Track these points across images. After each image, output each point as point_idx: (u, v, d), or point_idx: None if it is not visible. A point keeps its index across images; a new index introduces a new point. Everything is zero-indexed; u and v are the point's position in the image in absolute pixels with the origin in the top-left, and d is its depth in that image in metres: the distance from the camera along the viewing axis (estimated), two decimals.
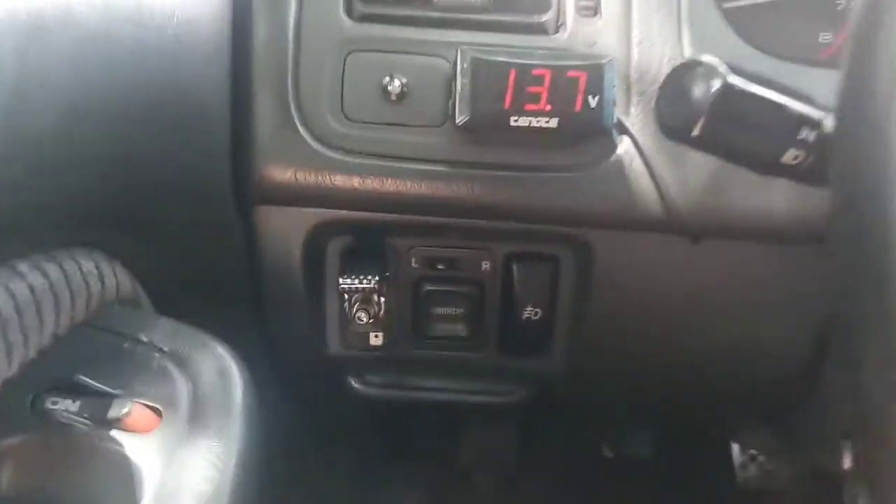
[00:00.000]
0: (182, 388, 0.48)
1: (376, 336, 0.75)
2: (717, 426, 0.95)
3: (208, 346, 0.50)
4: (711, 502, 1.40)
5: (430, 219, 0.65)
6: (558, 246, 0.71)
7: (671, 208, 0.62)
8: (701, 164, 0.62)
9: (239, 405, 0.48)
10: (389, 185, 0.62)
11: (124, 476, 0.44)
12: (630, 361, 0.75)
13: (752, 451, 1.42)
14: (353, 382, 0.80)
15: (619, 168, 0.62)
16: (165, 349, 0.51)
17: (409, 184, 0.62)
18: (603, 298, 0.69)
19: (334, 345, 0.75)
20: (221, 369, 0.49)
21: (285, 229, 0.66)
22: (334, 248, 0.70)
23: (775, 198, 0.62)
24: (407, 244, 0.71)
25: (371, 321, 0.71)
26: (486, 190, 0.62)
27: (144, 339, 0.51)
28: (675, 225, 0.63)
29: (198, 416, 0.47)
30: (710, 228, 0.64)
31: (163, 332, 0.52)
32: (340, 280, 0.64)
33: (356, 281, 0.64)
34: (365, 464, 1.31)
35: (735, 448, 1.42)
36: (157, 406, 0.47)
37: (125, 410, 0.46)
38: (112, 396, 0.46)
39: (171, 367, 0.50)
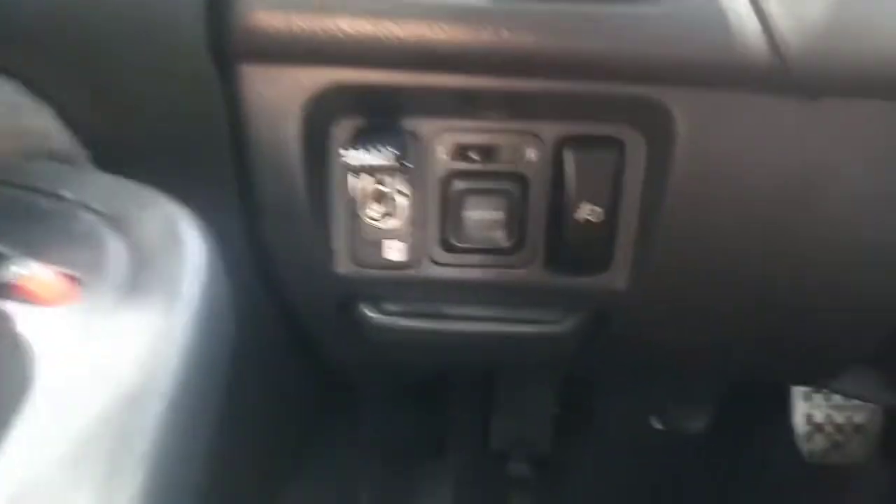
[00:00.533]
0: (115, 252, 0.34)
1: (396, 248, 0.60)
2: (805, 372, 0.78)
3: (156, 204, 0.36)
4: (774, 478, 1.26)
5: (462, 79, 0.50)
6: (624, 126, 0.56)
7: (782, 51, 0.47)
8: None
9: (195, 276, 0.33)
10: (411, 28, 0.47)
11: (13, 356, 0.29)
12: (712, 280, 0.60)
13: (819, 421, 1.28)
14: (365, 311, 0.65)
15: None
16: (99, 209, 0.36)
17: (434, 26, 0.47)
18: (683, 191, 0.54)
19: (343, 260, 0.60)
20: (171, 231, 0.35)
21: (278, 98, 0.51)
22: (341, 130, 0.55)
23: None
24: (433, 128, 0.56)
25: (385, 220, 0.56)
26: (533, 31, 0.47)
27: (70, 196, 0.37)
28: (787, 76, 0.47)
29: (134, 288, 0.33)
30: (835, 80, 0.48)
31: (97, 189, 0.38)
32: (346, 154, 0.49)
33: (367, 155, 0.49)
34: (387, 442, 1.19)
35: (799, 419, 1.27)
36: (76, 273, 0.33)
37: (22, 273, 0.31)
38: (5, 258, 0.32)
39: (102, 228, 0.35)
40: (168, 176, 0.49)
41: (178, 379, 0.30)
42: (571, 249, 0.59)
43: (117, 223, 0.35)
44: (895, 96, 0.49)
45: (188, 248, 0.34)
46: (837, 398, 1.24)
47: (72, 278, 0.33)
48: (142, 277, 0.33)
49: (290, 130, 0.52)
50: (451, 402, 1.25)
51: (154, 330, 0.31)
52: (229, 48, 0.49)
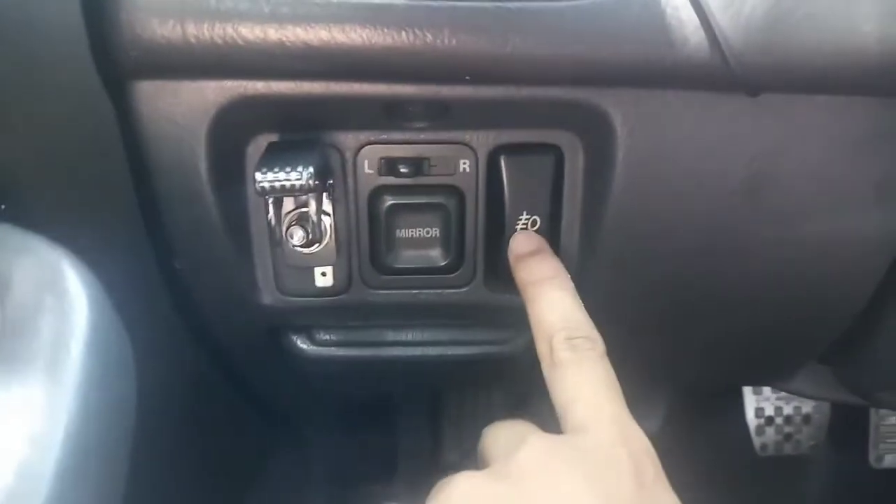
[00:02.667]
0: None
1: (323, 274, 0.55)
2: (758, 374, 0.76)
3: (29, 248, 0.31)
4: (727, 472, 1.25)
5: (382, 87, 0.46)
6: (561, 131, 0.52)
7: (722, 46, 0.44)
8: None
9: (80, 334, 0.28)
10: (321, 33, 0.43)
11: None
12: (660, 286, 0.57)
13: (769, 415, 1.28)
14: (297, 342, 0.60)
15: None
16: None
17: (349, 31, 0.43)
18: (625, 196, 0.51)
19: (268, 289, 0.55)
20: (51, 282, 0.30)
21: (179, 117, 0.46)
22: (256, 150, 0.51)
23: (867, 23, 0.44)
24: (355, 141, 0.52)
25: (312, 246, 0.52)
26: (457, 33, 0.43)
27: None
28: (727, 72, 0.45)
29: (5, 354, 0.27)
30: (777, 76, 0.46)
31: None
32: (258, 176, 0.45)
33: (280, 175, 0.44)
34: (337, 469, 1.14)
35: (750, 413, 1.27)
36: None
37: None
38: None
39: None
40: (61, 212, 0.44)
41: (64, 467, 0.25)
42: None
43: None
44: (840, 91, 0.47)
45: (72, 303, 0.29)
46: None
47: None
48: (15, 343, 0.28)
49: (195, 150, 0.47)
50: (398, 417, 1.21)
51: (33, 410, 0.26)
52: (119, 65, 0.44)
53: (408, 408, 1.22)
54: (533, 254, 0.52)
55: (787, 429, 1.28)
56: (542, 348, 0.46)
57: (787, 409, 1.28)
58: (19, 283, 0.30)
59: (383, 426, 1.20)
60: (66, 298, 0.29)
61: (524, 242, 0.53)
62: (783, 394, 1.26)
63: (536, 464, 0.39)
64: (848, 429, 1.27)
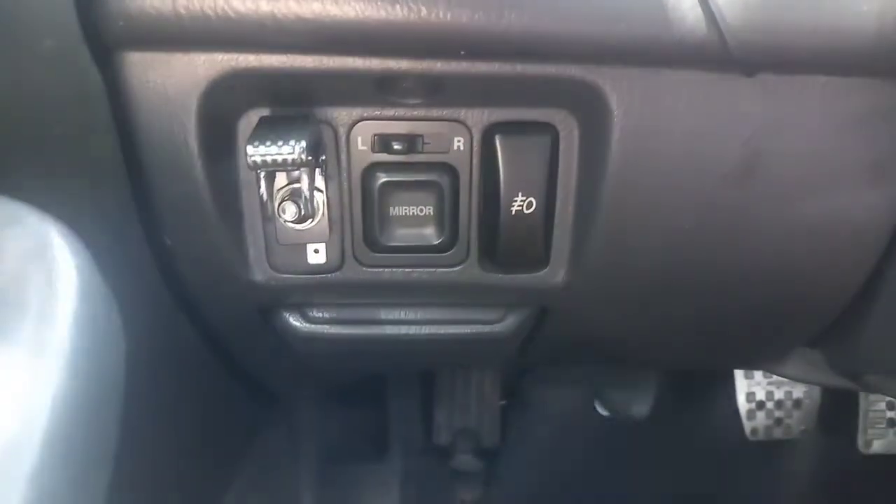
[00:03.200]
0: None
1: (316, 251, 0.55)
2: (750, 357, 0.76)
3: (17, 217, 0.30)
4: (718, 455, 1.26)
5: (376, 62, 0.45)
6: (557, 109, 0.52)
7: (719, 25, 0.43)
8: None
9: (68, 304, 0.28)
10: (314, 6, 0.42)
11: None
12: (655, 267, 0.57)
13: (760, 399, 1.29)
14: (290, 319, 0.60)
15: None
16: None
17: (342, 3, 0.42)
18: (620, 176, 0.51)
19: (259, 266, 0.55)
20: (38, 250, 0.29)
21: (169, 89, 0.45)
22: (248, 124, 0.50)
23: (865, 3, 0.44)
24: (348, 117, 0.51)
25: (304, 222, 0.51)
26: (452, 7, 0.43)
27: None
28: (724, 51, 0.44)
29: None
30: (774, 55, 0.45)
31: None
32: (250, 149, 0.44)
33: (273, 149, 0.44)
34: (328, 447, 1.14)
35: (741, 397, 1.28)
36: None
37: None
38: None
39: None
40: (50, 183, 0.44)
41: (54, 432, 0.25)
42: (506, 244, 0.55)
43: None
44: (836, 71, 0.47)
45: (60, 272, 0.29)
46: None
47: None
48: (2, 313, 0.27)
49: (185, 124, 0.46)
50: (390, 398, 1.22)
51: (20, 380, 0.25)
52: (108, 36, 0.43)
53: (399, 387, 1.22)
54: None
55: (778, 413, 1.29)
56: None
57: (778, 394, 1.29)
58: (7, 251, 0.29)
59: (375, 406, 1.20)
60: (55, 267, 0.29)
61: None
62: (774, 378, 1.27)
63: None
64: (838, 414, 1.27)
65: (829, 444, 1.30)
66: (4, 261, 0.29)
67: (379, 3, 0.42)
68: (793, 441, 1.29)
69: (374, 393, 1.20)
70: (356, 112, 0.51)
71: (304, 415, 1.12)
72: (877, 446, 1.27)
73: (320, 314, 0.60)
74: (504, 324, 0.61)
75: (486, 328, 0.61)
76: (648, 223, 0.53)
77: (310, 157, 0.45)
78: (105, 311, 0.31)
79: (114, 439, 0.30)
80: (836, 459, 1.29)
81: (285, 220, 0.49)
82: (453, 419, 1.23)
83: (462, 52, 0.45)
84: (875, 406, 1.27)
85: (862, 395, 1.26)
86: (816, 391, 1.28)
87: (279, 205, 0.49)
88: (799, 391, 1.28)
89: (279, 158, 0.44)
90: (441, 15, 0.42)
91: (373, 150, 0.52)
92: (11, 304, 0.28)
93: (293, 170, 0.46)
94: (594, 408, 1.28)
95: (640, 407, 1.25)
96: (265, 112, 0.50)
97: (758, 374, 1.28)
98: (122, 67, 0.44)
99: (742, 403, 1.29)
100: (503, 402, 1.21)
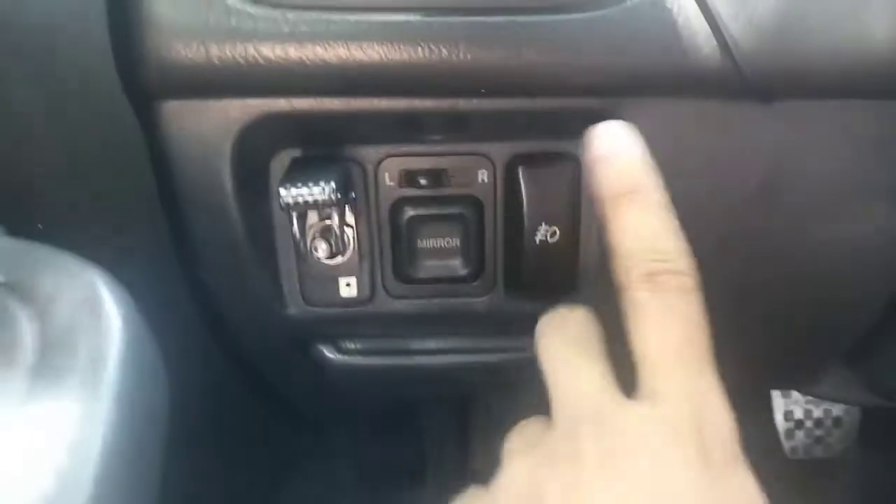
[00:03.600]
0: (22, 329, 0.30)
1: (348, 284, 0.57)
2: (783, 377, 0.76)
3: (69, 270, 0.32)
4: (758, 475, 1.25)
5: (401, 102, 0.47)
6: (577, 140, 0.53)
7: (734, 53, 0.44)
8: None
9: (117, 354, 0.30)
10: (339, 51, 0.44)
11: None
12: None
13: (799, 418, 1.27)
14: (324, 351, 0.62)
15: (657, 1, 0.45)
16: (1, 278, 0.32)
17: (366, 47, 0.44)
18: None
19: (294, 301, 0.57)
20: (89, 302, 0.31)
21: (205, 135, 0.48)
22: (279, 165, 0.52)
23: (878, 28, 0.45)
24: (376, 154, 0.53)
25: (336, 257, 0.53)
26: (472, 47, 0.44)
27: None
28: (739, 79, 0.45)
29: (46, 370, 0.29)
30: (789, 82, 0.46)
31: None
32: (282, 191, 0.46)
33: (304, 191, 0.46)
34: (364, 476, 1.15)
35: (779, 416, 1.26)
36: None
37: None
38: None
39: (7, 301, 0.31)
40: (88, 228, 0.46)
41: (101, 475, 0.27)
42: (531, 273, 0.56)
43: (22, 293, 0.32)
44: (851, 95, 0.48)
45: (109, 320, 0.31)
46: None
47: None
48: (56, 359, 0.29)
49: (221, 168, 0.49)
50: (427, 424, 1.22)
51: (72, 420, 0.27)
52: (145, 86, 0.45)
53: (435, 415, 1.23)
54: (615, 155, 0.39)
55: (818, 432, 1.27)
56: (618, 282, 0.37)
57: (817, 412, 1.27)
58: (59, 303, 0.31)
59: (411, 433, 1.21)
60: (103, 317, 0.31)
61: (605, 140, 0.40)
62: (813, 397, 1.25)
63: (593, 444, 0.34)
64: (879, 432, 1.25)
65: (870, 463, 1.27)
66: (58, 310, 0.31)
67: (401, 47, 0.44)
68: (834, 460, 1.27)
69: (411, 419, 1.21)
70: (383, 149, 0.53)
71: (340, 442, 1.13)
72: None
73: (353, 345, 0.62)
74: (532, 350, 0.62)
75: (517, 355, 0.62)
76: None
77: (339, 196, 0.46)
78: (149, 356, 0.33)
79: (159, 474, 0.32)
80: (880, 477, 1.27)
81: (318, 258, 0.51)
82: (490, 445, 1.23)
83: (483, 91, 0.46)
84: None
85: None
86: (857, 409, 1.26)
87: (311, 242, 0.51)
88: (838, 409, 1.26)
89: (310, 199, 0.45)
90: (461, 56, 0.44)
91: (400, 186, 0.54)
92: (64, 350, 0.30)
93: (324, 209, 0.48)
94: None
95: None
96: (296, 152, 0.52)
97: (795, 393, 1.27)
98: (159, 115, 0.47)
99: (780, 422, 1.27)
100: None
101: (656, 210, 0.39)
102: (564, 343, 0.40)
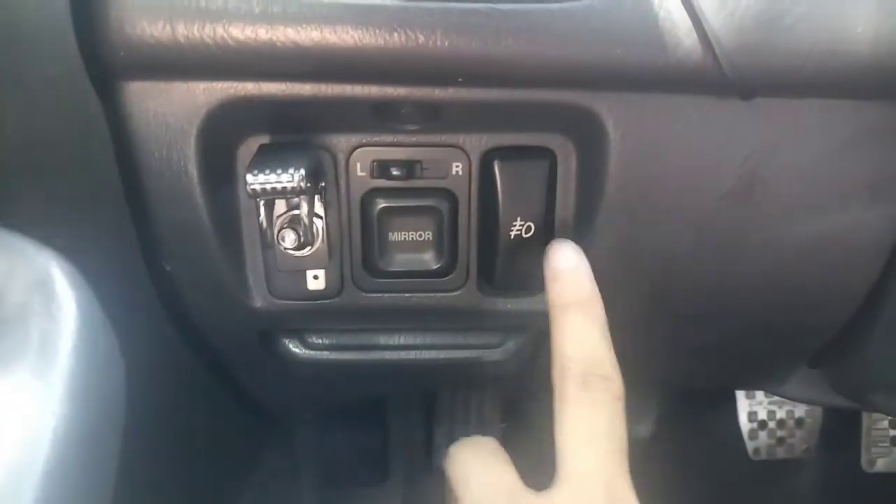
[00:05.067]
0: None
1: (315, 277, 0.55)
2: (751, 378, 0.76)
3: (18, 250, 0.30)
4: (721, 475, 1.26)
5: (374, 89, 0.46)
6: (554, 135, 0.52)
7: (715, 49, 0.44)
8: None
9: (69, 338, 0.28)
10: (312, 34, 0.43)
11: None
12: (653, 290, 0.57)
13: (762, 419, 1.28)
14: (289, 346, 0.60)
15: None
16: None
17: (339, 31, 0.43)
18: (618, 199, 0.51)
19: (259, 293, 0.55)
20: (39, 283, 0.29)
21: (169, 117, 0.46)
22: (247, 151, 0.50)
23: (860, 26, 0.44)
24: (347, 143, 0.52)
25: (307, 248, 0.51)
26: (449, 34, 0.43)
27: None
28: (720, 74, 0.44)
29: None
30: (770, 79, 0.46)
31: None
32: (249, 178, 0.44)
33: (272, 177, 0.44)
34: (328, 468, 1.13)
35: (743, 417, 1.27)
36: None
37: None
38: None
39: None
40: (48, 212, 0.44)
41: (55, 460, 0.25)
42: (504, 268, 0.55)
43: None
44: (832, 94, 0.47)
45: (60, 305, 0.29)
46: None
47: None
48: (5, 343, 0.27)
49: (185, 151, 0.47)
50: (391, 419, 1.21)
51: (22, 410, 0.25)
52: (109, 65, 0.43)
53: (400, 409, 1.22)
54: (570, 271, 0.47)
55: (780, 433, 1.28)
56: (554, 379, 0.44)
57: (780, 413, 1.28)
58: (8, 285, 0.29)
59: (375, 427, 1.20)
60: (55, 301, 0.29)
61: (563, 256, 0.48)
62: (776, 398, 1.27)
63: None
64: (840, 433, 1.27)
65: (832, 463, 1.29)
66: (7, 294, 0.29)
67: (376, 31, 0.42)
68: (796, 460, 1.28)
69: (375, 414, 1.20)
70: (355, 138, 0.51)
71: (303, 437, 1.12)
72: (880, 465, 1.27)
73: (319, 340, 0.60)
74: (504, 348, 0.61)
75: (486, 353, 0.61)
76: (647, 245, 0.54)
77: (309, 185, 0.45)
78: (104, 342, 0.31)
79: (114, 466, 0.30)
80: (840, 478, 1.29)
81: (285, 248, 0.49)
82: (454, 440, 1.23)
83: (460, 80, 0.45)
84: (878, 425, 1.26)
85: (865, 414, 1.26)
86: (818, 410, 1.28)
87: (279, 232, 0.49)
88: (801, 410, 1.28)
89: (278, 186, 0.44)
90: (438, 42, 0.43)
91: (372, 176, 0.52)
92: (13, 335, 0.28)
93: (292, 197, 0.47)
94: None
95: (641, 427, 1.25)
96: (265, 139, 0.50)
97: (759, 394, 1.28)
98: (123, 96, 0.45)
99: (744, 423, 1.28)
100: (504, 425, 1.21)
101: (597, 322, 0.45)
102: (475, 456, 0.45)
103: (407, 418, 1.23)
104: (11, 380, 0.27)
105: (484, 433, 1.13)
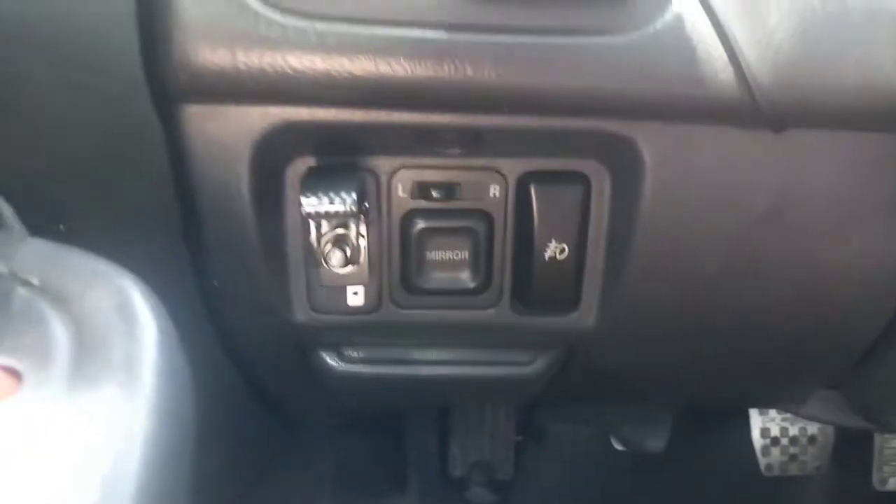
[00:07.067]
0: (57, 334, 0.30)
1: (355, 293, 0.57)
2: (773, 395, 0.78)
3: (101, 274, 0.32)
4: (733, 491, 1.27)
5: (420, 116, 0.48)
6: (589, 160, 0.54)
7: (750, 83, 0.46)
8: (788, 15, 0.46)
9: (150, 356, 0.30)
10: (366, 64, 0.44)
11: None
12: (681, 312, 0.58)
13: (775, 435, 1.29)
14: (326, 358, 0.62)
15: (678, 29, 0.46)
16: (34, 281, 0.32)
17: (392, 62, 0.45)
18: (650, 224, 0.52)
19: (300, 307, 0.57)
20: (121, 306, 0.31)
21: (225, 139, 0.48)
22: (295, 172, 0.52)
23: (889, 65, 0.46)
24: (391, 165, 0.53)
25: (349, 266, 0.53)
26: (496, 66, 0.45)
27: (2, 268, 0.33)
28: (754, 108, 0.46)
29: (83, 375, 0.29)
30: (802, 112, 0.47)
31: (31, 257, 0.34)
32: (304, 201, 0.46)
33: (325, 201, 0.46)
34: (344, 475, 1.15)
35: (756, 433, 1.28)
36: (13, 364, 0.29)
37: None
38: None
39: (41, 305, 0.31)
40: (107, 226, 0.46)
41: (143, 482, 0.27)
42: (539, 288, 0.57)
43: (57, 297, 0.32)
44: (860, 126, 0.49)
45: (141, 326, 0.31)
46: None
47: (10, 370, 0.29)
48: (90, 363, 0.29)
49: (238, 172, 0.49)
50: (407, 429, 1.23)
51: (112, 429, 0.27)
52: (170, 88, 0.45)
53: (416, 419, 1.23)
54: None
55: (793, 449, 1.29)
56: None
57: (793, 430, 1.29)
58: (92, 308, 0.31)
59: (392, 436, 1.21)
60: (137, 323, 0.31)
61: None
62: (789, 415, 1.27)
63: None
64: (852, 451, 1.28)
65: (843, 481, 1.30)
66: (91, 317, 0.31)
67: (427, 63, 0.44)
68: (808, 477, 1.29)
69: (392, 423, 1.21)
70: (398, 161, 0.53)
71: (321, 442, 1.13)
72: (892, 483, 1.27)
73: (355, 353, 0.62)
74: (534, 365, 0.63)
75: (516, 369, 0.62)
76: (677, 268, 0.55)
77: (358, 208, 0.47)
78: (178, 358, 0.33)
79: (191, 481, 0.32)
80: (851, 496, 1.29)
81: (332, 266, 0.51)
82: (468, 452, 1.24)
83: (505, 109, 0.47)
84: (890, 443, 1.27)
85: (877, 433, 1.27)
86: (831, 428, 1.29)
87: (327, 251, 0.51)
88: (814, 428, 1.29)
89: (332, 210, 0.46)
90: (487, 74, 0.45)
91: (412, 197, 0.54)
92: (101, 357, 0.30)
93: (344, 221, 0.48)
94: (609, 442, 1.28)
95: (655, 442, 1.26)
96: (311, 160, 0.52)
97: (772, 411, 1.29)
98: (181, 118, 0.47)
99: (757, 439, 1.29)
100: (520, 438, 1.22)
101: None
102: None
103: (423, 428, 1.24)
104: (101, 399, 0.29)
105: (499, 446, 1.15)
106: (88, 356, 0.30)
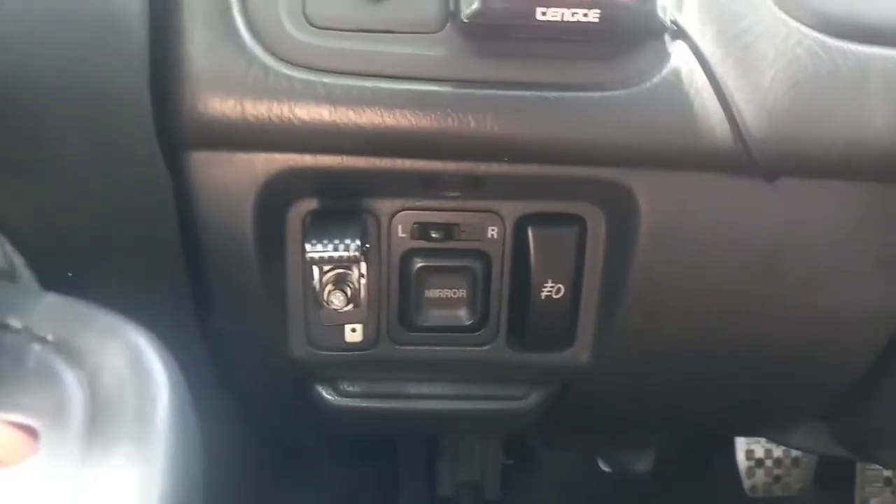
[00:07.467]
0: (72, 392, 0.31)
1: (353, 330, 0.58)
2: (758, 428, 0.79)
3: (114, 330, 0.33)
4: None
5: (422, 163, 0.49)
6: (585, 203, 0.55)
7: (745, 136, 0.47)
8: (782, 71, 0.47)
9: (164, 413, 0.31)
10: (372, 116, 0.46)
11: None
12: (673, 352, 0.60)
13: (759, 457, 1.31)
14: (322, 392, 0.62)
15: (675, 84, 0.47)
16: (48, 337, 0.33)
17: (398, 114, 0.46)
18: (645, 267, 0.54)
19: (298, 344, 0.58)
20: (134, 362, 0.32)
21: (230, 185, 0.48)
22: (296, 215, 0.53)
23: (879, 119, 0.48)
24: (391, 207, 0.54)
25: (349, 307, 0.54)
26: (499, 119, 0.46)
27: (15, 324, 0.33)
28: (748, 159, 0.48)
29: (98, 433, 0.30)
30: (795, 163, 0.49)
31: (45, 312, 0.34)
32: (308, 247, 0.47)
33: (329, 248, 0.47)
34: (338, 497, 1.15)
35: (741, 455, 1.30)
36: (32, 423, 0.30)
37: None
38: None
39: (55, 362, 0.32)
40: (113, 272, 0.47)
41: None
42: (535, 327, 0.58)
43: (71, 354, 0.32)
44: (851, 177, 0.50)
45: (156, 383, 0.31)
46: None
47: (27, 429, 0.30)
48: (106, 421, 0.30)
49: (242, 216, 0.49)
50: (398, 450, 1.23)
51: (126, 484, 0.28)
52: (179, 136, 0.46)
53: (407, 441, 1.24)
54: None
55: (777, 471, 1.31)
56: None
57: (777, 452, 1.31)
58: (106, 365, 0.32)
59: (383, 457, 1.22)
60: (151, 380, 0.32)
61: None
62: (784, 446, 1.29)
63: None
64: (835, 472, 1.30)
65: (827, 502, 1.32)
66: (105, 374, 0.32)
67: (432, 115, 0.46)
68: (792, 498, 1.31)
69: (383, 445, 1.22)
70: (398, 202, 0.54)
71: (316, 466, 1.13)
72: None
73: (351, 388, 0.63)
74: (528, 400, 0.64)
75: (511, 404, 0.64)
76: (670, 310, 0.57)
77: (362, 252, 0.48)
78: (191, 419, 0.33)
79: None
80: None
81: (333, 308, 0.52)
82: (457, 472, 1.25)
83: (506, 158, 0.48)
84: (872, 465, 1.29)
85: None
86: None
87: (328, 294, 0.52)
88: (797, 450, 1.30)
89: (335, 255, 0.47)
90: (489, 127, 0.46)
91: (412, 237, 0.55)
92: (115, 414, 0.30)
93: (347, 265, 0.49)
94: (596, 463, 1.29)
95: (642, 463, 1.27)
96: (313, 202, 0.53)
97: None
98: (188, 165, 0.48)
99: (741, 461, 1.31)
100: (510, 461, 1.23)
101: None
102: None
103: (413, 449, 1.25)
104: (117, 456, 0.29)
105: (487, 466, 1.15)
106: (103, 413, 0.31)
